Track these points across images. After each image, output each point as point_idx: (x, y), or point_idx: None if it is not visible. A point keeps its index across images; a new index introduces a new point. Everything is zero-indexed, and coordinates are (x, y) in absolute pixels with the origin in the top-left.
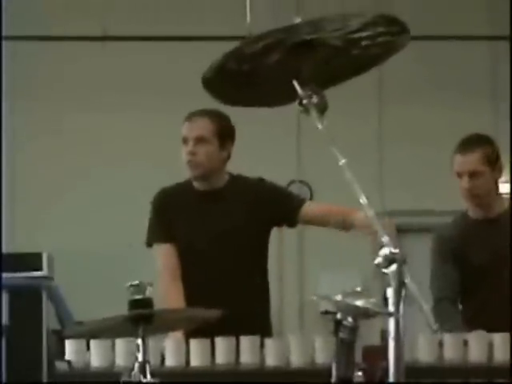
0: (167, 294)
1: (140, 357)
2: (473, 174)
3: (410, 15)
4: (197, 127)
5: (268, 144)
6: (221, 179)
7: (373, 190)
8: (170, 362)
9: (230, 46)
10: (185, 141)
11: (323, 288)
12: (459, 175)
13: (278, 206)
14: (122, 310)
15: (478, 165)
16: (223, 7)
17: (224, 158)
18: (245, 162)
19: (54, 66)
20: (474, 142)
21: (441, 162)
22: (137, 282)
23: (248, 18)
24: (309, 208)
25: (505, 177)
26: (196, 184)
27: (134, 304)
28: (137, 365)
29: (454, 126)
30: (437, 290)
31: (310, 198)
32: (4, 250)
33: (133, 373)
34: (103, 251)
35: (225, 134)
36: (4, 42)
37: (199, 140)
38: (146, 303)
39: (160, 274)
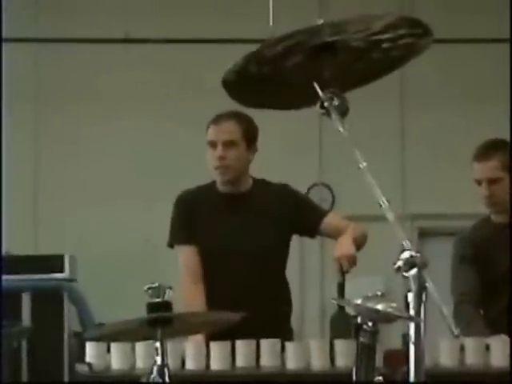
0: (188, 296)
1: (159, 360)
2: (491, 181)
3: (433, 18)
4: (225, 131)
5: (290, 147)
6: (246, 182)
7: (395, 194)
8: (190, 365)
9: (253, 48)
10: (212, 145)
11: (345, 292)
12: (478, 183)
13: (301, 215)
14: (145, 312)
15: (495, 171)
16: (247, 10)
17: (250, 160)
18: (266, 165)
19: (76, 69)
20: (490, 149)
21: (463, 166)
22: (155, 284)
23: (271, 21)
24: (330, 220)
25: None
26: (221, 187)
27: (152, 307)
28: (155, 368)
29: (476, 129)
30: (458, 294)
31: (332, 202)
32: (26, 252)
33: (151, 376)
34: (126, 253)
35: (251, 136)
36: (26, 45)
37: (228, 144)
38: (165, 306)
39: (181, 276)
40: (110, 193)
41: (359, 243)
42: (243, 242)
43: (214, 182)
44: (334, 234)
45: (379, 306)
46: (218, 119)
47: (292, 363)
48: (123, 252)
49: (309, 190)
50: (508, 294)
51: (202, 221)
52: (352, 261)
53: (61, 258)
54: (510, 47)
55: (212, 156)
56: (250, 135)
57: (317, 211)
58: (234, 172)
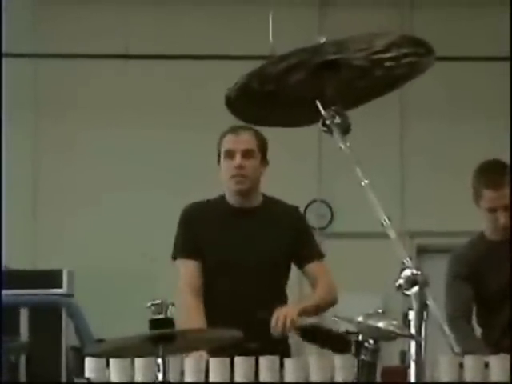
0: (188, 312)
1: (160, 376)
2: (506, 208)
3: (433, 36)
4: (244, 140)
5: (289, 163)
6: (257, 197)
7: (394, 211)
8: (189, 380)
9: (254, 65)
10: (230, 154)
11: (343, 309)
12: (492, 210)
13: (300, 243)
14: (143, 327)
15: (508, 197)
16: (246, 26)
17: (262, 173)
18: (266, 180)
19: (76, 83)
20: (502, 175)
21: (463, 183)
22: (158, 301)
23: (271, 38)
24: (318, 267)
25: None
26: (231, 200)
27: (154, 324)
28: None
29: (476, 147)
30: (451, 310)
31: (331, 218)
32: (25, 267)
33: None
34: (124, 268)
35: (264, 149)
36: (27, 60)
37: (247, 153)
38: (167, 323)
39: (181, 290)
40: (109, 207)
41: (319, 309)
42: (249, 255)
43: (223, 196)
44: (311, 281)
45: (380, 324)
46: (234, 130)
47: (291, 379)
48: (121, 266)
49: (308, 206)
50: (504, 311)
51: (209, 234)
52: (283, 323)
53: (59, 273)
54: (510, 64)
55: (228, 165)
56: (264, 148)
57: (313, 249)
58: (249, 182)
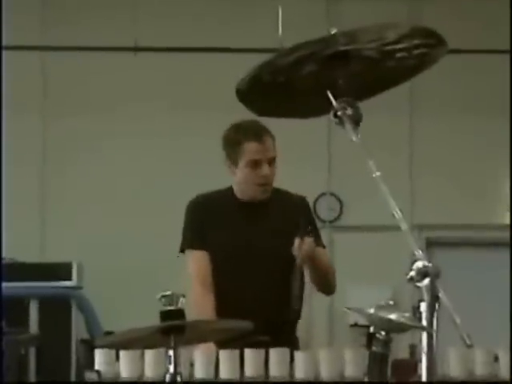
0: (198, 302)
1: (171, 368)
2: None
3: (444, 28)
4: (268, 148)
5: (298, 156)
6: None
7: (403, 204)
8: (198, 373)
9: (263, 57)
10: (256, 164)
11: (353, 301)
12: None
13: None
14: (152, 320)
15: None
16: (255, 19)
17: None
18: (276, 173)
19: (85, 77)
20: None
21: (471, 177)
22: (169, 292)
23: (280, 31)
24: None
25: None
26: (241, 195)
27: (165, 315)
28: (168, 376)
29: (485, 140)
30: None
31: (340, 211)
32: (34, 260)
33: None
34: (133, 261)
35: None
36: (34, 53)
37: (271, 161)
38: (178, 314)
39: (191, 281)
40: (118, 200)
41: (326, 271)
42: (258, 248)
43: (230, 189)
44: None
45: (392, 316)
46: (258, 136)
47: (301, 372)
48: (130, 259)
49: (317, 199)
50: None
51: (216, 226)
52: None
53: (69, 265)
54: (510, 57)
55: (254, 174)
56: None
57: (313, 235)
58: (271, 187)
